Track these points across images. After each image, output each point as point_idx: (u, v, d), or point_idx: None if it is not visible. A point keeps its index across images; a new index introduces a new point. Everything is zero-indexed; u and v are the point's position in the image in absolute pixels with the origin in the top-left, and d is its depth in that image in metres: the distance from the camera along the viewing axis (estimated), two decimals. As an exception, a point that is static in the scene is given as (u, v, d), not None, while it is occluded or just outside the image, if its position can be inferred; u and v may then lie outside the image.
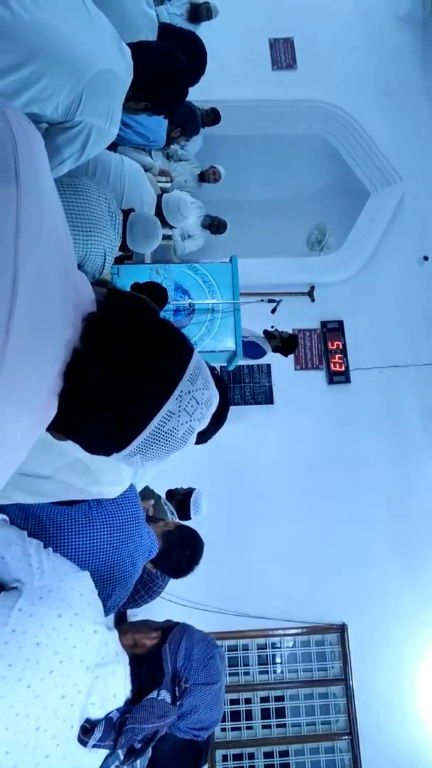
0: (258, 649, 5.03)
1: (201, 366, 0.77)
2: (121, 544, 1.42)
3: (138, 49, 1.75)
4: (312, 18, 6.42)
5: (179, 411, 0.73)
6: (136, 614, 3.76)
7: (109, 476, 1.28)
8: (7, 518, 1.24)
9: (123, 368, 0.70)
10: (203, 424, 0.78)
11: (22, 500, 1.24)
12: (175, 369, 0.74)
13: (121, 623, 1.33)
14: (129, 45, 1.74)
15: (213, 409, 0.79)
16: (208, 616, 4.50)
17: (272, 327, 4.71)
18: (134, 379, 0.70)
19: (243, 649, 5.00)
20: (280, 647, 5.08)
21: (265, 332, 4.70)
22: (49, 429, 0.75)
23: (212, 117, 5.43)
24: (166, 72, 1.80)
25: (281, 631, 5.01)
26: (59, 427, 0.75)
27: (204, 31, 5.20)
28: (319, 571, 4.98)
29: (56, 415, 0.73)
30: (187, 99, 2.21)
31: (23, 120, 0.75)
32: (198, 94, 3.19)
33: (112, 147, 2.82)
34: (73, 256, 0.80)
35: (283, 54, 6.51)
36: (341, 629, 5.01)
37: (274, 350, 4.73)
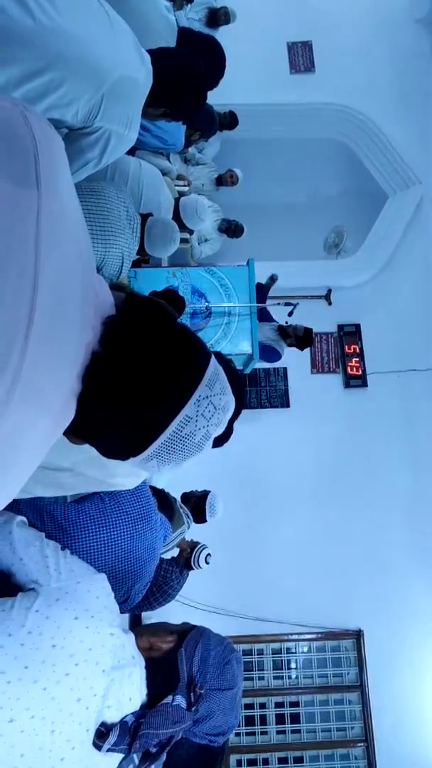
0: (273, 653, 5.01)
1: (218, 371, 0.77)
2: (138, 533, 1.43)
3: (158, 56, 1.76)
4: (330, 22, 6.40)
5: (197, 416, 0.73)
6: (150, 617, 3.77)
7: (127, 468, 1.29)
8: (25, 520, 1.25)
9: (142, 372, 0.70)
10: (220, 430, 0.78)
11: (41, 493, 1.25)
12: (193, 373, 0.74)
13: (136, 626, 1.33)
14: (149, 51, 1.75)
15: (229, 414, 0.79)
16: (222, 620, 4.50)
17: (286, 322, 4.68)
18: (153, 383, 0.71)
19: (258, 654, 4.98)
20: (296, 652, 5.05)
21: (280, 328, 4.68)
22: (65, 433, 0.76)
23: (230, 120, 5.42)
24: (185, 79, 1.81)
25: (296, 636, 4.98)
26: (76, 431, 0.76)
27: (222, 35, 5.21)
28: (336, 576, 4.95)
29: (74, 419, 0.73)
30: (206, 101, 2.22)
31: (44, 124, 0.76)
32: (216, 98, 3.20)
33: (131, 151, 2.83)
34: (92, 259, 0.80)
35: (301, 57, 6.50)
36: (357, 635, 4.97)
37: (290, 346, 4.71)
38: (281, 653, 5.02)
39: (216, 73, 2.47)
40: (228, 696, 1.09)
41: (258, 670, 4.96)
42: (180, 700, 1.04)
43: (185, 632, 1.18)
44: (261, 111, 6.22)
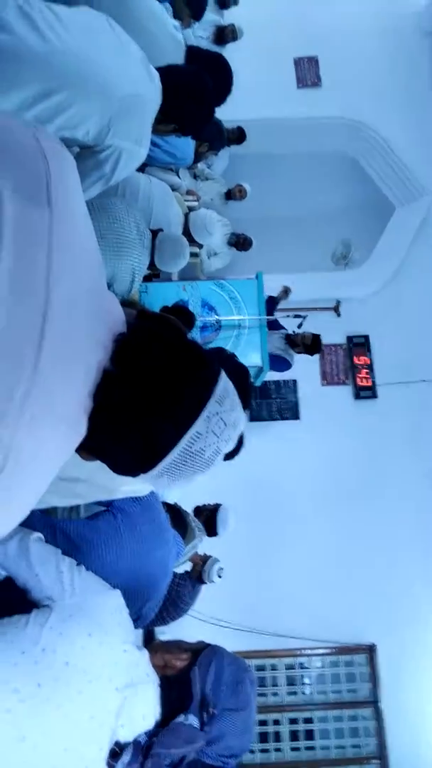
0: (286, 669, 4.95)
1: (228, 387, 0.77)
2: (150, 550, 1.43)
3: (166, 73, 1.78)
4: (336, 36, 6.45)
5: (207, 432, 0.73)
6: (163, 632, 3.75)
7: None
8: (42, 536, 1.25)
9: (152, 389, 0.71)
10: (230, 446, 0.78)
11: (57, 503, 1.25)
12: (203, 390, 0.74)
13: (150, 642, 1.32)
14: (157, 69, 1.77)
15: (240, 430, 0.79)
16: (235, 635, 4.46)
17: (293, 332, 4.69)
18: (163, 400, 0.71)
19: (271, 669, 4.93)
20: (309, 668, 4.99)
21: (288, 337, 4.68)
22: (77, 449, 0.76)
23: (238, 135, 5.47)
24: (194, 95, 1.83)
25: (309, 651, 4.93)
26: (87, 448, 0.76)
27: (230, 52, 5.27)
28: (348, 589, 4.89)
29: (85, 435, 0.73)
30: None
31: (55, 143, 0.77)
32: (224, 114, 3.22)
33: (141, 167, 2.86)
34: (103, 277, 0.81)
35: (307, 72, 6.55)
36: (370, 650, 4.90)
37: (299, 353, 4.72)
38: (295, 668, 4.96)
39: (223, 89, 2.49)
40: (241, 717, 1.08)
41: (272, 685, 4.90)
42: (193, 720, 1.03)
43: (199, 650, 1.18)
44: (268, 126, 6.27)
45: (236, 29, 5.74)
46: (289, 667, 4.95)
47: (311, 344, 4.65)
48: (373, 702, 4.85)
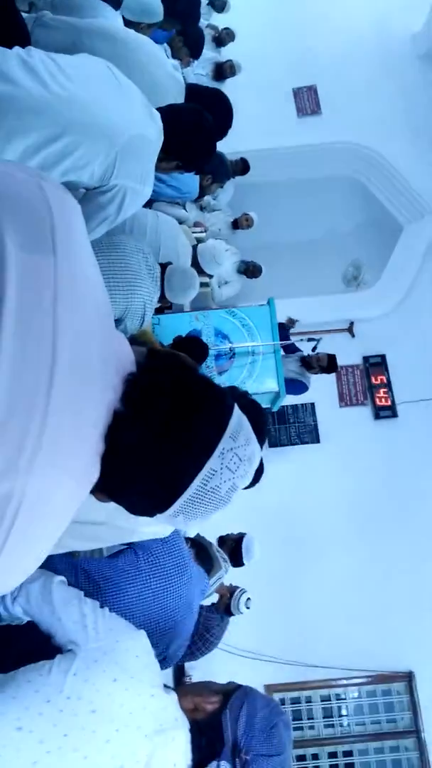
0: (321, 701, 4.82)
1: (242, 422, 0.76)
2: (173, 588, 1.41)
3: (167, 112, 1.82)
4: (334, 64, 6.59)
5: (222, 468, 0.72)
6: (193, 667, 3.68)
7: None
8: (64, 579, 1.24)
9: (163, 428, 0.70)
10: (246, 481, 0.77)
11: (78, 547, 1.24)
12: (215, 426, 0.73)
13: (180, 677, 1.29)
14: (158, 109, 1.81)
15: (255, 465, 0.78)
16: (266, 667, 4.37)
17: (308, 355, 4.69)
18: (175, 439, 0.70)
19: (306, 702, 4.80)
20: (345, 698, 4.85)
21: (303, 360, 4.67)
22: (92, 491, 0.76)
23: (242, 167, 5.56)
24: (195, 132, 1.86)
25: (345, 681, 4.79)
26: (102, 489, 0.76)
27: (229, 87, 5.40)
28: (381, 615, 4.77)
29: (99, 477, 0.73)
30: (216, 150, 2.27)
31: (60, 191, 0.78)
32: (227, 146, 3.29)
33: (148, 203, 2.91)
34: (111, 318, 0.81)
35: (307, 101, 6.68)
36: (408, 677, 4.75)
37: (315, 374, 4.71)
38: (330, 700, 4.83)
39: (224, 123, 2.53)
40: (275, 763, 1.04)
41: (307, 718, 4.77)
42: (226, 766, 0.99)
43: (230, 692, 1.14)
44: (271, 155, 6.39)
45: (234, 65, 5.89)
46: (325, 698, 4.82)
47: (327, 367, 4.65)
48: (415, 732, 4.68)
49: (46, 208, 0.72)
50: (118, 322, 2.22)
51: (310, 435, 5.57)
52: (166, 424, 0.70)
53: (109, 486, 0.75)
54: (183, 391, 0.73)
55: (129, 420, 0.70)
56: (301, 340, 4.79)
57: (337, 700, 4.82)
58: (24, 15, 2.01)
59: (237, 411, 0.76)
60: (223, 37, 6.31)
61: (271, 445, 5.33)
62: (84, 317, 0.70)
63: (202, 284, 3.97)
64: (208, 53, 5.68)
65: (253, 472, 0.78)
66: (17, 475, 0.61)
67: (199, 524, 0.77)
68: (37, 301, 0.65)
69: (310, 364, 4.67)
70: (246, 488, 1.71)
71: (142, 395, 0.72)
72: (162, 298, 2.68)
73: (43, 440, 0.62)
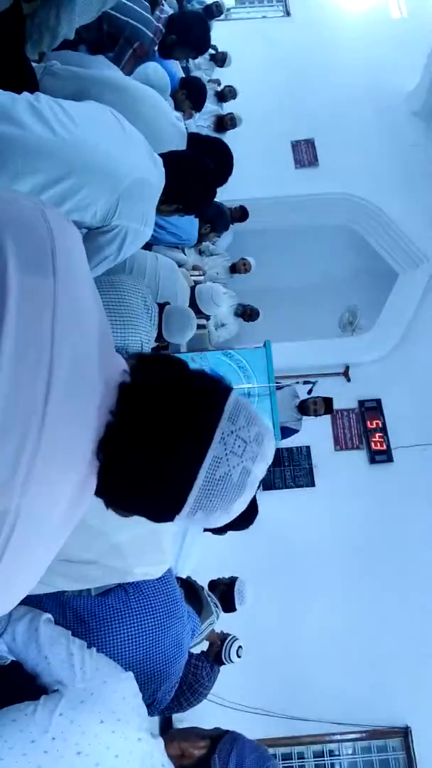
0: (315, 757, 4.62)
1: (240, 404, 0.74)
2: (163, 627, 1.37)
3: (169, 158, 1.88)
4: (331, 118, 6.87)
5: (226, 454, 0.70)
6: (181, 720, 3.54)
7: (151, 556, 1.26)
8: (51, 618, 1.21)
9: (154, 428, 0.69)
10: (260, 466, 0.74)
11: (65, 587, 1.22)
12: (210, 414, 0.71)
13: (167, 730, 1.25)
14: (160, 155, 1.88)
15: (267, 445, 0.75)
16: (257, 720, 4.20)
17: (305, 400, 4.72)
18: (168, 436, 0.69)
19: (298, 758, 4.60)
20: (339, 755, 4.66)
21: (300, 407, 4.69)
22: (107, 506, 0.76)
23: (240, 214, 5.72)
24: (195, 177, 1.93)
25: (339, 736, 4.61)
26: (112, 504, 0.76)
27: (230, 138, 5.58)
28: (376, 667, 4.63)
29: (106, 491, 0.73)
30: (217, 199, 2.34)
31: (61, 218, 0.81)
32: (227, 195, 3.38)
33: (147, 247, 2.98)
34: (111, 340, 0.82)
35: (305, 154, 6.92)
36: (405, 733, 4.58)
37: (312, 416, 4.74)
38: (323, 756, 4.63)
39: (224, 170, 2.62)
40: (266, 808, 1.00)
41: (300, 776, 4.57)
42: None
43: (218, 737, 1.10)
44: (269, 204, 6.58)
45: (235, 117, 6.12)
46: (318, 754, 4.63)
47: (326, 411, 4.68)
48: (412, 792, 4.49)
49: (48, 233, 0.75)
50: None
51: (305, 478, 5.54)
52: (154, 424, 0.69)
53: (116, 499, 0.74)
54: (170, 387, 0.73)
55: (117, 429, 0.70)
56: (297, 382, 4.82)
57: (331, 756, 4.64)
58: (34, 64, 2.10)
59: (233, 395, 0.74)
60: (225, 93, 6.58)
61: (265, 488, 5.29)
62: (82, 337, 0.71)
63: (199, 326, 4.02)
64: (210, 106, 5.91)
65: (269, 452, 0.75)
66: (12, 494, 0.61)
67: (221, 518, 0.73)
68: (36, 322, 0.67)
69: (307, 409, 4.69)
70: (241, 529, 1.68)
71: (130, 401, 0.72)
72: (159, 337, 2.70)
73: (38, 459, 0.62)
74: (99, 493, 0.74)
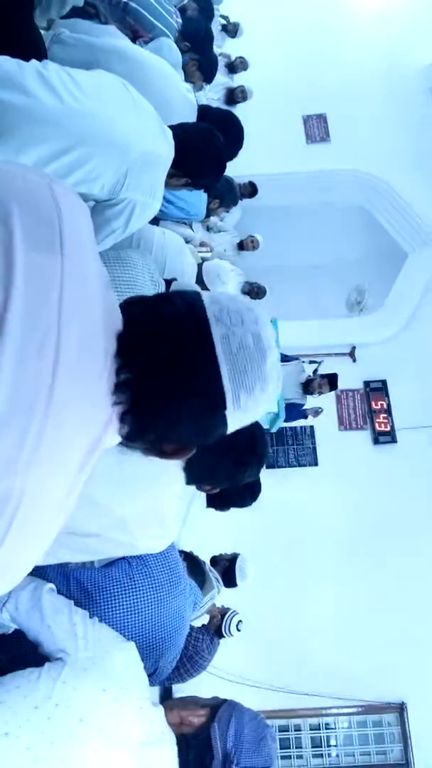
0: (311, 730, 4.72)
1: (216, 293, 0.77)
2: (166, 599, 1.39)
3: (179, 130, 1.85)
4: (344, 93, 6.72)
5: (229, 328, 0.72)
6: (180, 690, 3.61)
7: (155, 530, 1.27)
8: (54, 587, 1.23)
9: (160, 350, 0.71)
10: (264, 328, 0.75)
11: (71, 559, 1.23)
12: (191, 312, 0.73)
13: (167, 699, 1.27)
14: (170, 127, 1.85)
15: (258, 310, 0.77)
16: (255, 693, 4.28)
17: (310, 378, 4.72)
18: (174, 347, 0.71)
19: (295, 730, 4.70)
20: (335, 728, 4.75)
21: (304, 384, 4.70)
22: (155, 448, 0.77)
23: (250, 190, 5.65)
24: (205, 150, 1.89)
25: (335, 710, 4.70)
26: (160, 438, 0.76)
27: (240, 112, 5.49)
28: (375, 643, 4.70)
29: (143, 430, 0.74)
30: (226, 173, 2.31)
31: (69, 193, 0.80)
32: (237, 170, 3.33)
33: (155, 221, 2.95)
34: (117, 316, 0.82)
35: (316, 129, 6.80)
36: (400, 708, 4.66)
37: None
38: (320, 729, 4.73)
39: (234, 143, 2.57)
40: (265, 775, 1.02)
41: (296, 747, 4.67)
42: (215, 780, 0.98)
43: (216, 706, 1.13)
44: (279, 180, 6.47)
45: (246, 90, 6.00)
46: (314, 727, 4.73)
47: (329, 385, 4.70)
48: (405, 765, 4.58)
49: (56, 209, 0.74)
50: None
51: (309, 458, 5.56)
52: (159, 344, 0.71)
53: (159, 429, 0.74)
54: (159, 318, 0.74)
55: (133, 372, 0.71)
56: (303, 362, 4.81)
57: (327, 729, 4.73)
58: (42, 32, 2.06)
59: (207, 293, 0.77)
60: (236, 65, 6.46)
61: (268, 467, 5.30)
62: (89, 316, 0.71)
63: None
64: (221, 78, 5.80)
65: (263, 316, 0.76)
66: (16, 475, 0.61)
67: (264, 395, 0.74)
68: (43, 300, 0.66)
69: (312, 388, 4.69)
70: (244, 506, 1.69)
71: (131, 345, 0.73)
72: (166, 313, 2.69)
73: (43, 439, 0.62)
74: (136, 434, 0.74)
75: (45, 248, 0.69)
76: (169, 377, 0.71)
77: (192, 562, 1.96)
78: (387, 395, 5.76)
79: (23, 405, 0.62)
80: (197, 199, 3.60)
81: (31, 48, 1.80)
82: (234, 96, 5.99)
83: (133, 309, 0.77)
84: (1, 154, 1.48)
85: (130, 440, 0.75)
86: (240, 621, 2.77)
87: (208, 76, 4.00)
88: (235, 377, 0.71)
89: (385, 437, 5.62)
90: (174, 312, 0.74)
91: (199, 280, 3.66)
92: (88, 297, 0.72)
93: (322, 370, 4.95)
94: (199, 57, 3.63)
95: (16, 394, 0.62)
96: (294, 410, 4.72)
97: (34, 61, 1.57)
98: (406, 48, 6.86)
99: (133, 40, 2.98)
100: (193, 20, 3.86)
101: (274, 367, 0.75)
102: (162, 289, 2.49)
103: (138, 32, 2.98)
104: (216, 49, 5.17)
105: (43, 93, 1.50)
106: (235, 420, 0.74)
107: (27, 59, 1.56)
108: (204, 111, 2.53)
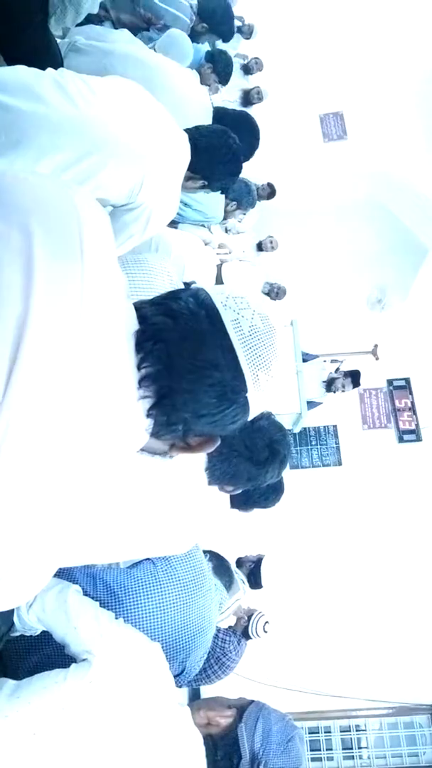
0: (341, 732, 4.68)
1: (216, 286, 0.81)
2: (190, 600, 1.40)
3: (194, 132, 1.86)
4: (361, 90, 6.65)
5: (238, 313, 0.75)
6: (208, 693, 3.61)
7: (179, 532, 1.27)
8: (80, 589, 1.24)
9: (177, 342, 0.74)
10: (266, 307, 0.79)
11: (95, 560, 1.24)
12: (199, 303, 0.77)
13: (193, 702, 1.27)
14: (186, 129, 1.85)
15: (256, 295, 0.81)
16: (284, 695, 4.26)
17: (333, 377, 4.69)
18: (190, 342, 0.74)
19: (325, 732, 4.67)
20: (365, 730, 4.70)
21: (329, 383, 4.67)
22: (184, 438, 0.79)
23: (268, 191, 5.63)
24: (221, 152, 1.89)
25: (366, 712, 4.65)
26: (201, 444, 0.79)
27: (256, 113, 5.48)
28: (406, 644, 4.64)
29: (175, 421, 0.75)
30: (244, 175, 2.31)
31: (89, 201, 0.82)
32: (254, 171, 3.33)
33: (173, 225, 2.96)
34: (134, 315, 0.83)
35: (333, 127, 6.76)
36: (431, 710, 4.60)
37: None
38: (350, 731, 4.69)
39: (251, 144, 2.57)
40: (293, 775, 1.02)
41: (326, 749, 4.63)
42: (242, 780, 0.97)
43: (243, 707, 1.12)
44: (297, 179, 6.44)
45: (261, 91, 5.99)
46: (345, 729, 4.68)
47: (353, 382, 4.66)
48: (438, 768, 4.52)
49: (76, 218, 0.75)
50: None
51: (333, 457, 5.52)
52: (176, 340, 0.74)
53: (186, 428, 0.76)
54: (170, 313, 0.76)
55: (155, 366, 0.73)
56: (324, 361, 4.78)
57: (358, 731, 4.69)
58: (58, 40, 2.08)
59: (207, 286, 0.80)
60: (251, 66, 6.44)
61: (292, 467, 5.29)
62: (110, 324, 0.72)
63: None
64: (236, 80, 5.79)
65: (263, 300, 0.80)
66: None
67: (279, 369, 0.77)
68: (63, 308, 0.67)
69: (335, 386, 4.66)
70: (268, 507, 1.69)
71: (149, 340, 0.74)
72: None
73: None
74: (165, 427, 0.76)
75: (65, 257, 0.70)
76: (189, 365, 0.73)
77: (218, 561, 1.96)
78: (411, 393, 5.70)
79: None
80: (215, 202, 3.61)
81: (47, 57, 1.83)
82: (249, 97, 5.98)
83: (144, 309, 0.79)
84: (21, 163, 1.50)
85: (158, 435, 0.77)
86: (267, 622, 2.76)
87: (224, 78, 4.01)
88: (252, 359, 0.74)
89: (409, 435, 5.56)
90: (183, 305, 0.77)
91: (219, 282, 3.67)
92: (108, 305, 0.73)
93: (343, 369, 4.90)
94: (218, 35, 3.57)
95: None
96: (311, 405, 4.69)
97: (50, 70, 1.59)
98: (426, 42, 6.76)
99: (147, 29, 3.00)
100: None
101: (281, 347, 0.79)
102: (181, 291, 2.50)
103: (151, 20, 3.01)
104: (231, 51, 5.19)
105: (60, 101, 1.52)
106: (256, 402, 0.77)
107: (43, 68, 1.58)
108: (220, 113, 2.54)
